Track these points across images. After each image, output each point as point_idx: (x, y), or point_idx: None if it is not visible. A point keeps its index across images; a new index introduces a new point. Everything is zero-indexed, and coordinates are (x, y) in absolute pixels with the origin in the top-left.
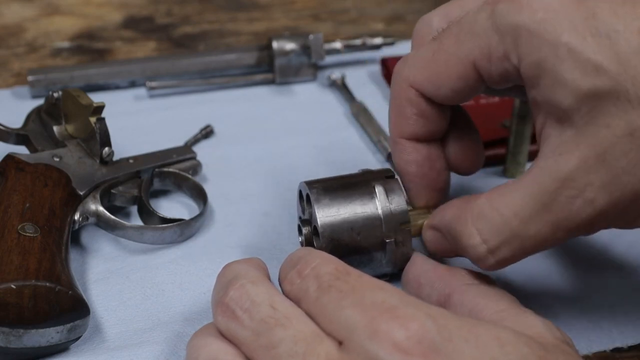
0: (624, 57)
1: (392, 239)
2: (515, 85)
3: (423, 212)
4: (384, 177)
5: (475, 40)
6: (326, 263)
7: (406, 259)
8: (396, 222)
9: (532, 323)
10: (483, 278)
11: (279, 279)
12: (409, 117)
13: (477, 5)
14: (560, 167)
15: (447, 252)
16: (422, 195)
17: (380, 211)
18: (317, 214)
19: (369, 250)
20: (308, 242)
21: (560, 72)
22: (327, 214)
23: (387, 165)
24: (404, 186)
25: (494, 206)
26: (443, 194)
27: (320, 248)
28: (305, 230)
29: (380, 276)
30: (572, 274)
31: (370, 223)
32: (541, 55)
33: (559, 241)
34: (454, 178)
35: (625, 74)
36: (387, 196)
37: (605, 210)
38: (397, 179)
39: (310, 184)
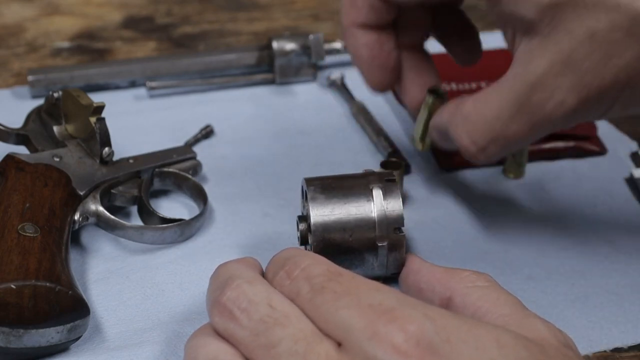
0: None
1: (385, 243)
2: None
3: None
4: (384, 180)
5: None
6: (317, 264)
7: (399, 264)
8: (390, 226)
9: (535, 327)
10: (485, 279)
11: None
12: (361, 8)
13: None
14: (530, 72)
15: (452, 149)
16: (375, 75)
17: (374, 214)
18: (310, 212)
19: (361, 252)
20: (303, 239)
21: None
22: (321, 212)
23: None
24: (359, 69)
25: (477, 109)
26: (395, 73)
27: (312, 246)
28: (301, 226)
29: (372, 279)
30: (572, 274)
31: (364, 225)
32: None
33: (540, 136)
34: (459, 177)
35: None
36: (384, 199)
37: (576, 108)
38: (397, 182)
39: (309, 181)
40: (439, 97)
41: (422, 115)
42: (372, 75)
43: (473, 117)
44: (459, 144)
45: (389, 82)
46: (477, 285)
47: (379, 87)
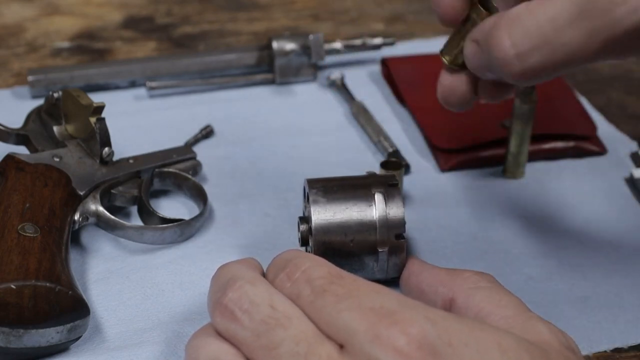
0: None
1: (386, 248)
2: None
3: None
4: (386, 185)
5: None
6: (318, 266)
7: (399, 268)
8: (391, 232)
9: (537, 329)
10: (487, 280)
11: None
12: None
13: None
14: None
15: (483, 65)
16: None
17: (376, 219)
18: (312, 215)
19: (361, 257)
20: (304, 240)
21: None
22: (323, 216)
23: None
24: None
25: (530, 10)
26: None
27: (312, 249)
28: (302, 227)
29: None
30: (572, 274)
31: (365, 230)
32: None
33: (592, 55)
34: (459, 177)
35: None
36: (386, 205)
37: None
38: (398, 187)
39: (311, 183)
40: (489, 11)
41: (465, 28)
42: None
43: (523, 17)
44: (494, 47)
45: (461, 7)
46: (480, 286)
47: (450, 14)
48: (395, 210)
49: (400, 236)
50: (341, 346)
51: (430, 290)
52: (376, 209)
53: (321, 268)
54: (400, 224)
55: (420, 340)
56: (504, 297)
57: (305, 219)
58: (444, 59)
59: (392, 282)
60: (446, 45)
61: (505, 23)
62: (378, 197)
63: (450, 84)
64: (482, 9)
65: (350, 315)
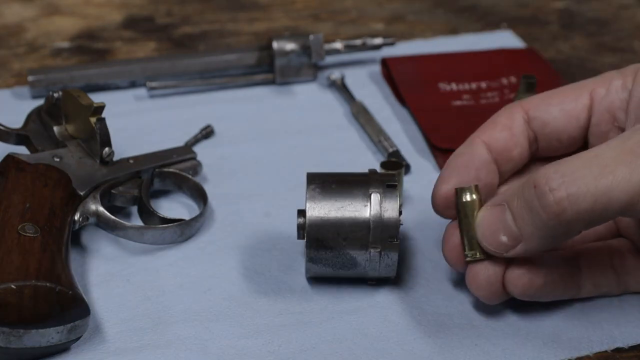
0: None
1: (378, 250)
2: None
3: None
4: (385, 185)
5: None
6: None
7: (391, 269)
8: (385, 233)
9: None
10: None
11: None
12: (497, 125)
13: None
14: None
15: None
16: (461, 172)
17: (370, 220)
18: (307, 212)
19: (353, 257)
20: (300, 232)
21: None
22: (317, 213)
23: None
24: (449, 162)
25: (586, 164)
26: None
27: (306, 244)
28: (299, 220)
29: (365, 279)
30: None
31: (358, 230)
32: None
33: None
34: None
35: None
36: (382, 206)
37: None
38: (397, 188)
39: (310, 179)
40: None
41: (466, 219)
42: (456, 172)
43: (578, 172)
44: (546, 210)
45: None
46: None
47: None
48: (390, 212)
49: (393, 237)
50: None
51: None
52: (371, 209)
53: None
54: (394, 226)
55: None
56: None
57: (303, 212)
58: (476, 257)
59: (384, 280)
60: (466, 247)
61: (556, 177)
62: (374, 198)
63: (488, 275)
64: (475, 195)
65: None
